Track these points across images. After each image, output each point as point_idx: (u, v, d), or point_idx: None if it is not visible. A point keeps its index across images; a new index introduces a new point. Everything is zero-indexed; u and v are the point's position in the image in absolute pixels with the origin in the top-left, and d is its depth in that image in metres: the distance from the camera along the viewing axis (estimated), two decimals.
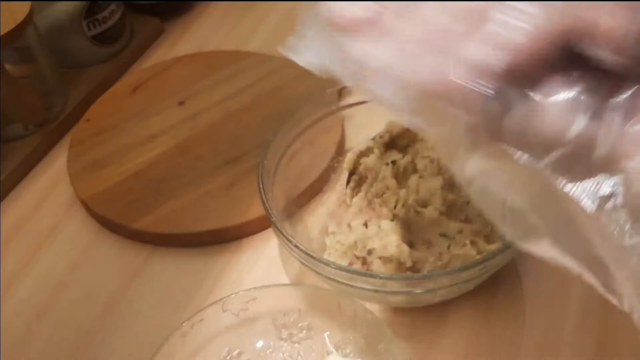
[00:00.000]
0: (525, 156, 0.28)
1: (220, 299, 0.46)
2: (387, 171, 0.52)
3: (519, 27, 0.27)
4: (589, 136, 0.27)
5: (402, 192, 0.51)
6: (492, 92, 0.27)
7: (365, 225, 0.50)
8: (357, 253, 0.49)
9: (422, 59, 0.28)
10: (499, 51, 0.27)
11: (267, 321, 0.47)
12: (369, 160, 0.53)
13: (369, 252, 0.49)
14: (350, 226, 0.51)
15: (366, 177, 0.54)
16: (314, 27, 0.31)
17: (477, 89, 0.27)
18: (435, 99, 0.28)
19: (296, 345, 0.47)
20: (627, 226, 0.27)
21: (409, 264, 0.48)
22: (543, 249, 0.30)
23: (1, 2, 0.61)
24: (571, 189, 0.28)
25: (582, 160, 0.27)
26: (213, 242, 0.56)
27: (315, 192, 0.56)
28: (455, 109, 0.28)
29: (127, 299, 0.54)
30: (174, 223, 0.57)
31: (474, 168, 0.30)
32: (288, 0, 0.80)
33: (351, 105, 0.56)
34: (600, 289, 0.29)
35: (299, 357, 0.47)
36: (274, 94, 0.67)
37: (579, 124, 0.27)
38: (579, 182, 0.28)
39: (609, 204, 0.27)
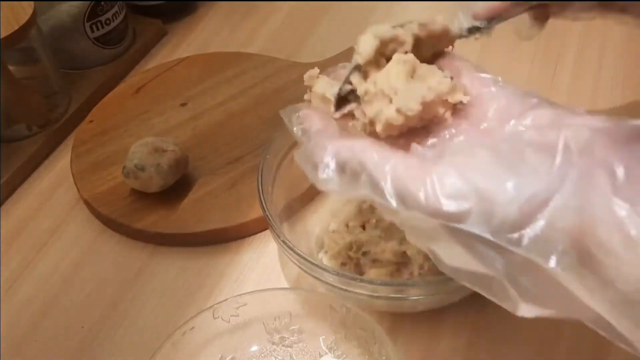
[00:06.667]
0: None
1: (211, 306, 0.46)
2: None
3: None
4: None
5: None
6: None
7: (363, 227, 0.50)
8: (351, 254, 0.49)
9: None
10: None
11: (258, 326, 0.47)
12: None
13: (364, 254, 0.49)
14: (348, 226, 0.51)
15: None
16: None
17: None
18: None
19: (289, 348, 0.47)
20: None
21: (403, 268, 0.48)
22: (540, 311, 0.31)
23: (5, 3, 0.62)
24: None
25: None
26: (215, 242, 0.57)
27: (316, 192, 0.56)
28: None
29: (130, 297, 0.54)
30: (176, 223, 0.57)
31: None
32: (289, 0, 0.81)
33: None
34: (614, 341, 0.29)
35: None
36: (276, 95, 0.67)
37: None
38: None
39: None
